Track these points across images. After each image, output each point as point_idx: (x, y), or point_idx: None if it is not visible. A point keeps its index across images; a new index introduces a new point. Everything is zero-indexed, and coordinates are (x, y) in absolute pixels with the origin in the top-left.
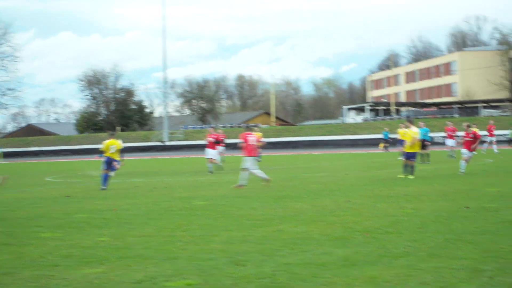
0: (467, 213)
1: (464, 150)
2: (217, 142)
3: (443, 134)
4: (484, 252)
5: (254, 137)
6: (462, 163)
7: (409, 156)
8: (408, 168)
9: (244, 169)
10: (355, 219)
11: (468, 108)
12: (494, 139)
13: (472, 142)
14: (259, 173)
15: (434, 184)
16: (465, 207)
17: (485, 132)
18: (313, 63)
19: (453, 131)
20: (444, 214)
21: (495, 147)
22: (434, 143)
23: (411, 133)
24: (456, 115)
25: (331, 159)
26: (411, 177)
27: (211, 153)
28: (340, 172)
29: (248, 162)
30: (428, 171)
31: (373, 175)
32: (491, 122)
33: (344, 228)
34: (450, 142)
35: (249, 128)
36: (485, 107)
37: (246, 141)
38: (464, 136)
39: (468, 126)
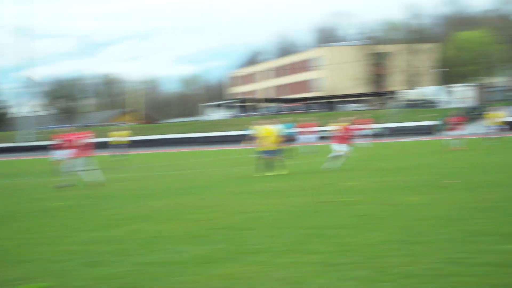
0: (325, 208)
1: (339, 145)
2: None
3: (302, 129)
4: (340, 246)
5: (82, 137)
6: (336, 158)
7: (270, 153)
8: (268, 165)
9: (74, 171)
10: (214, 216)
11: (332, 103)
12: (367, 133)
13: (349, 136)
14: (88, 175)
15: (295, 179)
16: (323, 202)
17: (360, 127)
18: (179, 59)
19: (311, 126)
20: (303, 209)
21: (366, 142)
22: (297, 138)
23: (269, 130)
24: (321, 110)
25: (195, 156)
26: (272, 173)
27: (62, 154)
28: (202, 169)
29: (78, 163)
30: (290, 167)
31: (235, 172)
32: (363, 116)
33: (201, 226)
34: (308, 138)
35: (82, 128)
36: (349, 102)
37: (73, 141)
38: (341, 131)
39: (346, 121)
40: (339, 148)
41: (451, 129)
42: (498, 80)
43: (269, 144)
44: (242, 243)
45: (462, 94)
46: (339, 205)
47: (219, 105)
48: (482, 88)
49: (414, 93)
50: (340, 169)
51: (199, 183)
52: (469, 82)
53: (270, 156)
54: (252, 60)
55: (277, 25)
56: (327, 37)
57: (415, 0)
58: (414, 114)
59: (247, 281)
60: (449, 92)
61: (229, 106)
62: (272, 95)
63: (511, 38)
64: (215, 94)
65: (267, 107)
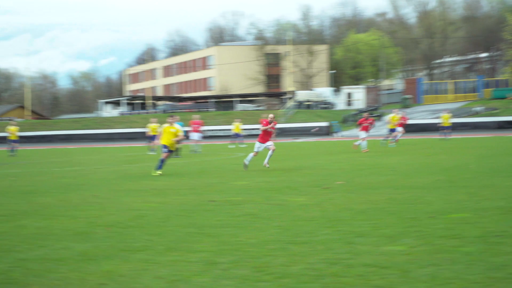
0: (211, 207)
1: (258, 143)
2: None
3: (191, 128)
4: (222, 244)
5: None
6: (251, 156)
7: (164, 151)
8: (161, 163)
9: None
10: (99, 213)
11: (224, 102)
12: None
13: (271, 133)
14: None
15: (183, 178)
16: (210, 201)
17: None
18: (72, 56)
19: (199, 125)
20: (189, 207)
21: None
22: (187, 137)
23: (166, 128)
24: (213, 109)
25: (85, 153)
26: (159, 172)
27: None
28: (94, 166)
29: None
30: (178, 165)
31: (124, 169)
32: (270, 115)
33: (86, 223)
34: (195, 136)
35: None
36: (240, 102)
37: None
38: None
39: (271, 118)
40: (259, 146)
41: (362, 130)
42: (391, 83)
43: (164, 142)
44: (126, 240)
45: (355, 96)
46: (225, 204)
47: (113, 102)
48: (374, 90)
49: (309, 94)
50: (230, 168)
51: (90, 180)
52: (362, 84)
53: (165, 155)
54: (148, 58)
55: (171, 24)
56: (221, 36)
57: (310, 1)
58: (309, 115)
59: (128, 278)
60: (342, 94)
61: (123, 103)
62: (167, 93)
63: (403, 41)
64: (110, 90)
65: (161, 105)
